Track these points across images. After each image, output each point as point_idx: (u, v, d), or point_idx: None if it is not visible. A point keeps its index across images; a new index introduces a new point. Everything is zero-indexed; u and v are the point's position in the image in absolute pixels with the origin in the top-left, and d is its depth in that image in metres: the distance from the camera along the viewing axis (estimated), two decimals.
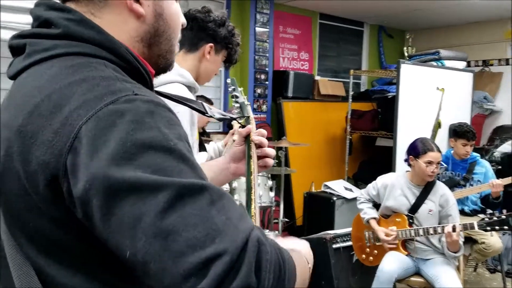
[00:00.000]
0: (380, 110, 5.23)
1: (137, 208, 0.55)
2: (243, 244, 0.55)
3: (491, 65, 6.02)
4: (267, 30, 5.10)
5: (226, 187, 3.48)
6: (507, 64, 5.87)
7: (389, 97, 5.23)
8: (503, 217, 2.49)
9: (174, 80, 1.51)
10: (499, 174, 3.74)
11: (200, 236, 0.54)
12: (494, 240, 3.40)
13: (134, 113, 0.59)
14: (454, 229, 2.59)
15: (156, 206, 0.54)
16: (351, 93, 5.18)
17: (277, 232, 3.99)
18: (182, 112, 1.29)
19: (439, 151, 2.82)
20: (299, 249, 0.78)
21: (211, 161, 1.30)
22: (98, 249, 0.61)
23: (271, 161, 1.17)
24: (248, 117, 1.20)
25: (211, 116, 1.07)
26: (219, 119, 1.12)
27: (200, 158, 2.01)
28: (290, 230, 4.73)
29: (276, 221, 4.11)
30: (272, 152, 1.18)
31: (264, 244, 0.57)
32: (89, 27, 0.69)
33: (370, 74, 6.09)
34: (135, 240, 0.54)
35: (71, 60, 0.67)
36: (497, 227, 2.51)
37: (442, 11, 5.52)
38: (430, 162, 2.77)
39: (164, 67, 0.82)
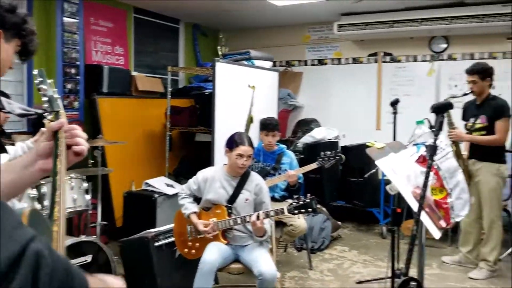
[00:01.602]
0: (198, 106, 5.37)
1: None
2: (16, 255, 0.50)
3: (293, 65, 6.73)
4: (77, 21, 4.74)
5: (34, 193, 3.13)
6: (306, 65, 6.63)
7: (206, 93, 5.41)
8: (308, 200, 2.81)
9: None
10: (302, 162, 4.20)
11: None
12: (300, 221, 3.82)
13: None
14: (258, 217, 2.82)
15: None
16: (169, 89, 5.20)
17: (95, 236, 3.77)
18: None
19: (250, 145, 3.04)
20: (109, 283, 0.74)
21: (13, 160, 1.12)
22: None
23: (83, 147, 1.05)
24: (58, 111, 1.06)
25: (9, 112, 0.93)
26: (21, 115, 0.98)
27: None
28: (110, 232, 4.52)
29: (93, 224, 3.87)
30: (83, 135, 1.06)
31: (44, 257, 0.53)
32: None
33: (187, 71, 6.19)
34: None
35: None
36: (303, 210, 2.82)
37: (250, 14, 5.93)
38: (240, 155, 2.98)
39: None
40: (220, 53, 5.28)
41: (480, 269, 4.01)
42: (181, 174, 5.39)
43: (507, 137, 3.96)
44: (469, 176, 3.96)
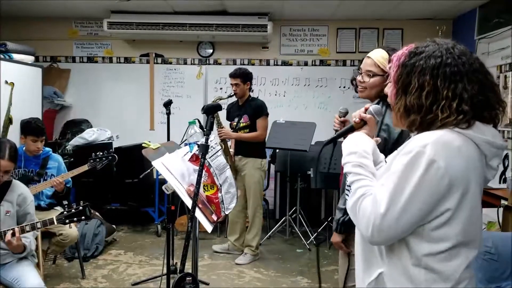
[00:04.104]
0: None
1: None
2: None
3: (59, 61, 6.20)
4: None
5: None
6: (74, 61, 6.20)
7: None
8: (81, 208, 2.62)
9: None
10: (72, 166, 3.93)
11: None
12: (71, 230, 3.57)
13: None
14: (13, 234, 2.52)
15: None
16: None
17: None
18: None
19: (11, 160, 2.67)
20: None
21: None
22: None
23: None
24: None
25: None
26: None
27: None
28: None
29: None
30: None
31: None
32: None
33: None
34: None
35: None
36: (75, 219, 2.62)
37: (4, 1, 5.21)
38: None
39: None
40: None
41: (245, 254, 4.47)
42: None
43: (266, 133, 4.52)
44: (235, 171, 4.37)
